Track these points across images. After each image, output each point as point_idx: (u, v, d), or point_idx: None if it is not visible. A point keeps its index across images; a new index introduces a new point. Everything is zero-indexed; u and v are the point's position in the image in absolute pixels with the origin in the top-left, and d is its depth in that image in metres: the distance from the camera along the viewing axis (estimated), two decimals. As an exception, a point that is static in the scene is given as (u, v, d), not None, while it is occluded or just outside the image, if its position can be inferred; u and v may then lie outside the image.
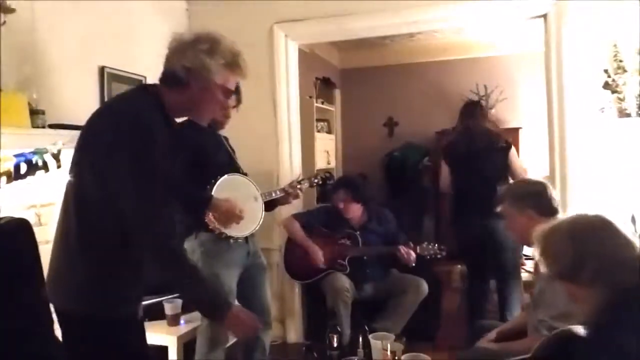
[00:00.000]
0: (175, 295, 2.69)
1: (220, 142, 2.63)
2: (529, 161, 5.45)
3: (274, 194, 2.74)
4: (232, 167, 2.58)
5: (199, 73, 1.55)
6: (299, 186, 2.83)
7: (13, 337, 1.86)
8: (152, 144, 1.44)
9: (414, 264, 3.27)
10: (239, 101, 2.62)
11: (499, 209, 2.14)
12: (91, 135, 1.53)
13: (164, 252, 1.50)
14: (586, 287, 1.31)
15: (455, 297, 4.35)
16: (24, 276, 2.03)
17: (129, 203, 1.44)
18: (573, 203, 3.05)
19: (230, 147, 2.71)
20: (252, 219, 2.52)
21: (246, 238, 2.55)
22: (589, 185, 3.07)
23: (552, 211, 1.99)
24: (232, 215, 2.37)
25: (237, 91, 2.55)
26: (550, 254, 1.39)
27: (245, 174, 2.63)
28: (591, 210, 1.43)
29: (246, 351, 2.64)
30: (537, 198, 2.02)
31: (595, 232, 1.35)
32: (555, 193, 2.09)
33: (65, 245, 1.59)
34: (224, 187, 2.41)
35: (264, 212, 2.60)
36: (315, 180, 3.04)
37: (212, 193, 2.35)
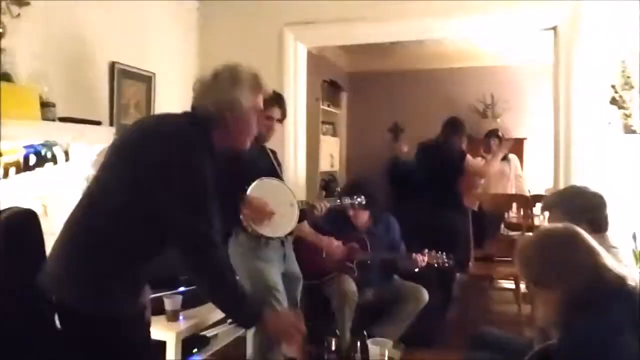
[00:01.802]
0: (175, 291, 2.71)
1: (263, 153, 2.73)
2: (533, 172, 5.47)
3: (304, 205, 2.78)
4: (273, 176, 2.66)
5: (230, 105, 1.62)
6: (327, 205, 2.85)
7: (17, 322, 1.90)
8: (201, 167, 1.51)
9: (416, 270, 3.29)
10: (283, 115, 2.73)
11: (544, 214, 2.08)
12: (136, 152, 1.56)
13: (209, 266, 1.54)
14: (551, 290, 1.43)
15: (454, 305, 4.35)
16: (30, 264, 2.06)
17: (179, 216, 1.50)
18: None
19: (277, 160, 2.81)
20: (286, 222, 2.59)
21: (282, 242, 2.65)
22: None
23: (604, 228, 1.93)
24: (262, 212, 2.43)
25: (281, 105, 2.69)
26: (523, 262, 1.52)
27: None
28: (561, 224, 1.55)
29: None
30: (593, 213, 1.93)
31: (560, 241, 1.47)
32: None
33: (75, 241, 1.60)
34: (260, 189, 2.48)
35: (297, 219, 2.65)
36: (352, 202, 3.01)
37: (249, 191, 2.44)
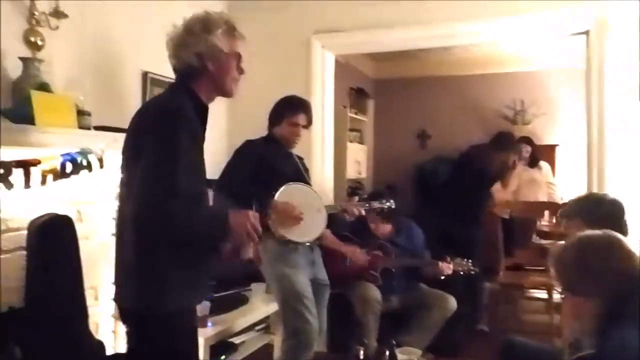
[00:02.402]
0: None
1: (289, 157, 2.76)
2: (566, 180, 5.36)
3: (338, 208, 2.81)
4: (300, 181, 2.67)
5: (211, 53, 1.64)
6: (361, 209, 2.82)
7: (52, 324, 1.95)
8: (185, 132, 1.51)
9: (442, 277, 3.28)
10: (309, 121, 2.76)
11: (565, 223, 2.05)
12: (133, 136, 1.61)
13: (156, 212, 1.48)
14: (589, 299, 1.40)
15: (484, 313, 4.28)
16: (65, 268, 2.12)
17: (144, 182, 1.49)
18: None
19: (304, 166, 2.85)
20: (313, 227, 2.59)
21: (311, 247, 2.66)
22: (627, 206, 2.99)
23: (625, 234, 1.89)
24: (290, 216, 2.44)
25: (307, 111, 2.73)
26: (559, 269, 1.50)
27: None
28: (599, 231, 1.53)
29: None
30: (613, 220, 1.91)
31: (598, 247, 1.45)
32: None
33: (121, 244, 1.65)
34: (288, 194, 2.50)
35: (326, 224, 2.66)
36: (380, 205, 2.97)
37: (277, 196, 2.46)
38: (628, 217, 1.99)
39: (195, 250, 1.63)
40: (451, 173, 4.48)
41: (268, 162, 2.58)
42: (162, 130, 1.52)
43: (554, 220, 4.21)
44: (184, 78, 1.68)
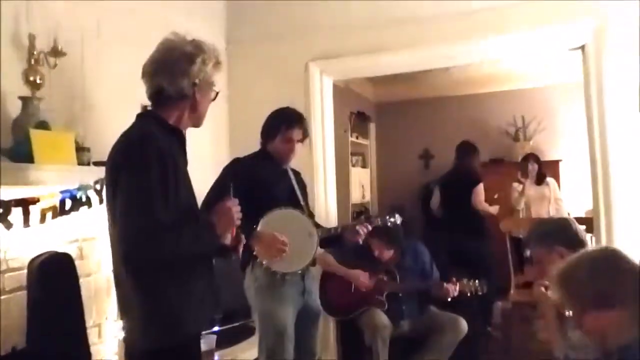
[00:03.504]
0: (209, 331, 2.70)
1: (284, 176, 2.59)
2: (570, 195, 5.32)
3: (332, 231, 2.59)
4: (292, 202, 2.51)
5: (203, 84, 1.67)
6: (368, 225, 2.56)
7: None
8: (156, 161, 1.50)
9: (449, 299, 3.23)
10: (305, 135, 2.57)
11: (527, 253, 2.11)
12: (109, 172, 1.62)
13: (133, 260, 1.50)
14: (616, 309, 1.36)
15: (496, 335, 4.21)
16: (66, 306, 2.09)
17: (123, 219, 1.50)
18: (619, 238, 2.93)
19: (300, 182, 2.66)
20: (302, 255, 2.41)
21: (303, 275, 2.47)
22: (635, 219, 2.95)
23: (581, 243, 1.95)
24: (273, 248, 2.29)
25: (301, 126, 2.54)
26: (573, 287, 1.45)
27: (302, 209, 2.54)
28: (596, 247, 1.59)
29: None
30: (563, 233, 2.00)
31: (610, 257, 1.45)
32: (579, 226, 2.06)
33: (116, 281, 1.65)
34: (274, 220, 2.34)
35: (317, 249, 2.47)
36: (384, 221, 2.71)
37: (260, 224, 2.30)
38: (579, 227, 2.05)
39: (192, 276, 1.60)
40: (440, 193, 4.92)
41: (258, 181, 2.41)
42: (131, 163, 1.52)
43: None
44: (155, 105, 1.69)
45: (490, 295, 3.94)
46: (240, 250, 1.82)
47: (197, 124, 1.75)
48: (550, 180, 5.04)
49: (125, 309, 1.64)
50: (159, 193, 1.48)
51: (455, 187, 4.69)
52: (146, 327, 1.56)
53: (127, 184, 1.51)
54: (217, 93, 1.77)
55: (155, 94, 1.67)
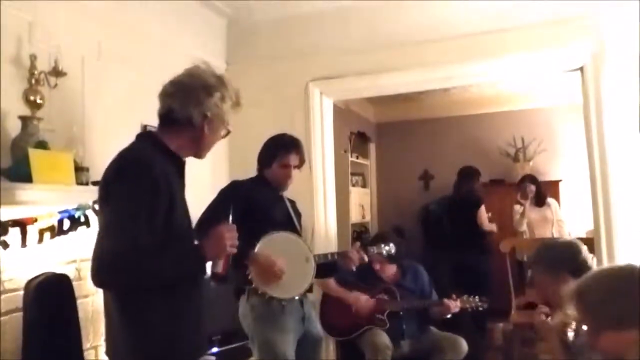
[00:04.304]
0: (209, 352, 2.66)
1: (280, 202, 2.59)
2: (571, 215, 5.30)
3: (329, 257, 2.55)
4: (289, 227, 2.49)
5: (215, 119, 1.64)
6: (364, 256, 2.57)
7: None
8: (145, 184, 1.47)
9: (448, 316, 3.22)
10: (301, 162, 2.58)
11: (530, 274, 2.06)
12: (101, 188, 1.58)
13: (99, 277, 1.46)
14: (633, 330, 1.30)
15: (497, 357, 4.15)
16: (63, 328, 2.06)
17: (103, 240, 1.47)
18: (620, 258, 2.91)
19: (296, 210, 2.66)
20: (299, 280, 2.37)
21: (301, 302, 2.43)
22: (636, 239, 2.94)
23: (586, 271, 1.88)
24: (269, 273, 2.24)
25: (298, 151, 2.55)
26: (592, 309, 1.40)
27: (299, 235, 2.52)
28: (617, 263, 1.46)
29: None
30: (571, 260, 1.94)
31: (631, 278, 1.37)
32: (587, 253, 2.01)
33: (106, 302, 1.61)
34: (271, 244, 2.30)
35: (314, 275, 2.43)
36: (379, 251, 2.75)
37: (257, 248, 2.26)
38: (587, 255, 2.01)
39: (181, 301, 1.57)
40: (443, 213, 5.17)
41: (256, 205, 2.38)
42: (119, 184, 1.49)
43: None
44: (160, 125, 1.67)
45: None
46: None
47: (198, 155, 1.72)
48: (551, 201, 5.03)
49: (111, 335, 1.61)
50: (141, 216, 1.45)
51: (458, 208, 4.95)
52: (128, 354, 1.53)
53: (112, 204, 1.49)
54: (229, 132, 1.75)
55: (165, 115, 1.65)
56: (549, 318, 2.02)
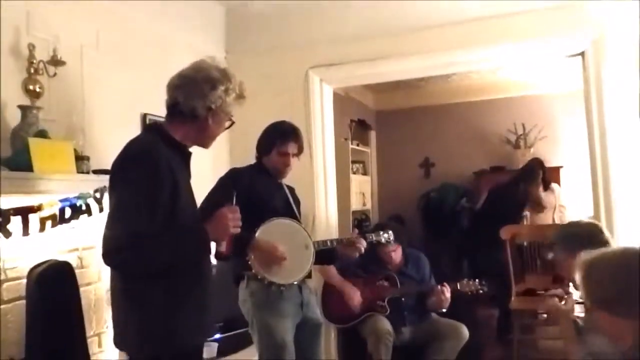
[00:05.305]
0: (211, 338, 2.68)
1: (279, 189, 2.60)
2: (572, 201, 5.30)
3: (329, 243, 2.55)
4: (288, 214, 2.50)
5: (219, 111, 1.70)
6: (363, 242, 2.56)
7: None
8: (148, 174, 1.54)
9: (444, 309, 3.21)
10: (300, 150, 2.58)
11: (549, 256, 2.07)
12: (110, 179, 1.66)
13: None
14: (627, 318, 1.29)
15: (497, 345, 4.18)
16: (66, 316, 2.08)
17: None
18: (620, 244, 2.92)
19: (295, 197, 2.67)
20: (298, 266, 2.39)
21: (300, 288, 2.46)
22: (636, 225, 2.94)
23: None
24: (271, 257, 2.27)
25: (297, 139, 2.55)
26: (594, 281, 1.38)
27: (298, 222, 2.53)
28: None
29: None
30: (592, 239, 1.92)
31: (632, 265, 1.33)
32: (608, 233, 2.02)
33: (113, 288, 1.66)
34: (271, 231, 2.32)
35: (313, 262, 2.44)
36: (378, 238, 2.72)
37: (257, 234, 2.28)
38: (608, 236, 2.03)
39: (187, 285, 1.62)
40: (483, 205, 4.96)
41: (255, 192, 2.39)
42: (123, 174, 1.57)
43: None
44: (167, 116, 1.73)
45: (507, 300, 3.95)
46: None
47: (203, 145, 1.79)
48: (555, 186, 5.01)
49: (117, 319, 1.66)
50: (143, 203, 1.51)
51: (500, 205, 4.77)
52: (135, 337, 1.59)
53: (116, 193, 1.58)
54: (233, 123, 1.80)
55: (171, 106, 1.72)
56: (563, 302, 2.03)
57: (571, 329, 1.99)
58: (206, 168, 3.26)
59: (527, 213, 4.78)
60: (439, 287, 3.19)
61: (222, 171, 2.90)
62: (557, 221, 4.81)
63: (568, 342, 2.02)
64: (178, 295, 1.59)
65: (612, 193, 3.04)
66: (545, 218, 4.80)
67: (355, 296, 3.25)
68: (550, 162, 5.78)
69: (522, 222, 4.65)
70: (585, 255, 1.44)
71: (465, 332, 3.20)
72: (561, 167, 5.79)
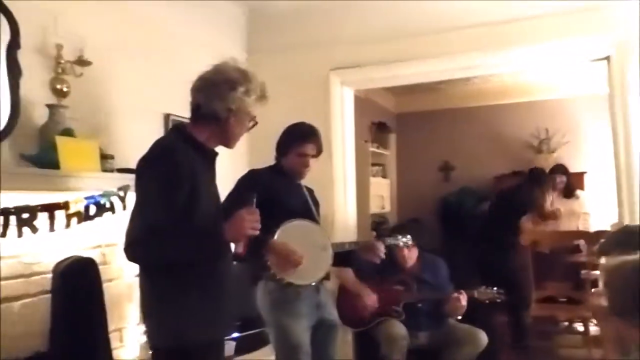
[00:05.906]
0: (229, 337, 2.70)
1: (298, 190, 2.60)
2: (596, 207, 5.21)
3: (346, 246, 2.56)
4: (307, 215, 2.50)
5: (239, 112, 1.73)
6: (382, 245, 2.54)
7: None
8: (168, 173, 1.58)
9: (459, 316, 3.18)
10: (319, 151, 2.57)
11: (602, 260, 2.00)
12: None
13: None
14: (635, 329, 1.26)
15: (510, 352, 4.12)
16: (89, 311, 2.13)
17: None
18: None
19: (314, 198, 2.67)
20: (316, 268, 2.39)
21: (317, 288, 2.47)
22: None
23: None
24: (288, 259, 2.26)
25: (315, 140, 2.55)
26: (613, 287, 1.36)
27: (317, 223, 2.53)
28: None
29: None
30: None
31: None
32: None
33: (142, 281, 1.71)
34: (289, 231, 2.32)
35: (331, 263, 2.44)
36: (396, 242, 2.70)
37: (276, 235, 2.28)
38: None
39: (205, 282, 1.65)
40: (490, 205, 4.80)
41: (273, 193, 2.37)
42: (145, 172, 1.63)
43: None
44: (191, 118, 1.77)
45: (522, 307, 3.89)
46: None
47: (227, 145, 1.82)
48: (580, 193, 4.94)
49: (142, 310, 1.75)
50: (160, 200, 1.56)
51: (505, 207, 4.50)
52: (155, 327, 1.66)
53: (138, 189, 1.65)
54: (255, 123, 1.82)
55: (194, 109, 1.75)
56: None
57: (613, 334, 1.93)
58: (226, 169, 3.28)
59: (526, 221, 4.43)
60: (455, 294, 3.15)
61: (241, 172, 2.94)
62: (582, 228, 4.72)
63: (609, 349, 1.97)
64: (195, 291, 1.63)
65: (636, 199, 2.99)
66: (570, 226, 4.69)
67: (371, 300, 3.23)
68: (573, 168, 5.69)
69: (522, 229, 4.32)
70: (609, 261, 1.42)
71: (483, 338, 3.15)
72: (585, 172, 5.69)
